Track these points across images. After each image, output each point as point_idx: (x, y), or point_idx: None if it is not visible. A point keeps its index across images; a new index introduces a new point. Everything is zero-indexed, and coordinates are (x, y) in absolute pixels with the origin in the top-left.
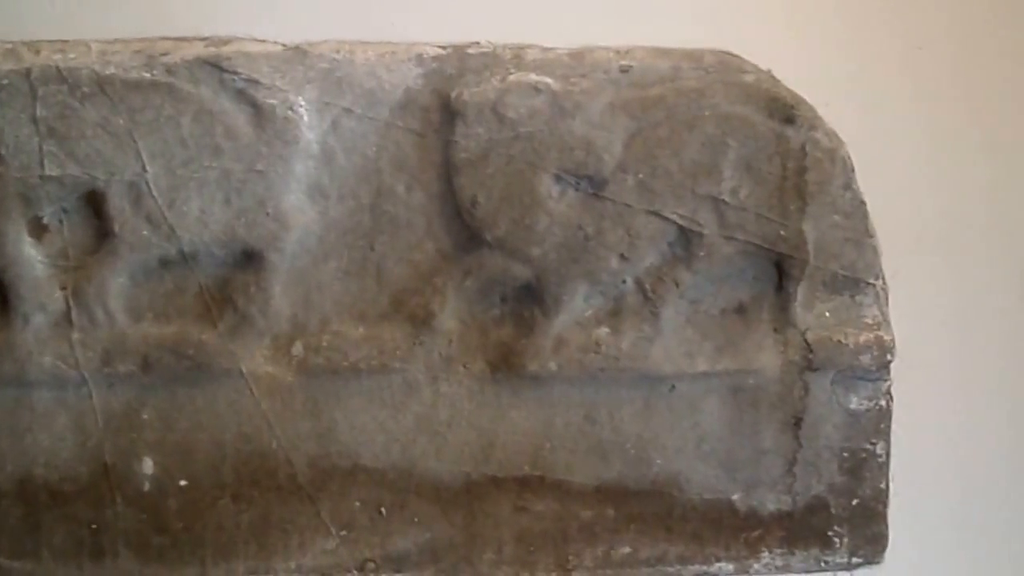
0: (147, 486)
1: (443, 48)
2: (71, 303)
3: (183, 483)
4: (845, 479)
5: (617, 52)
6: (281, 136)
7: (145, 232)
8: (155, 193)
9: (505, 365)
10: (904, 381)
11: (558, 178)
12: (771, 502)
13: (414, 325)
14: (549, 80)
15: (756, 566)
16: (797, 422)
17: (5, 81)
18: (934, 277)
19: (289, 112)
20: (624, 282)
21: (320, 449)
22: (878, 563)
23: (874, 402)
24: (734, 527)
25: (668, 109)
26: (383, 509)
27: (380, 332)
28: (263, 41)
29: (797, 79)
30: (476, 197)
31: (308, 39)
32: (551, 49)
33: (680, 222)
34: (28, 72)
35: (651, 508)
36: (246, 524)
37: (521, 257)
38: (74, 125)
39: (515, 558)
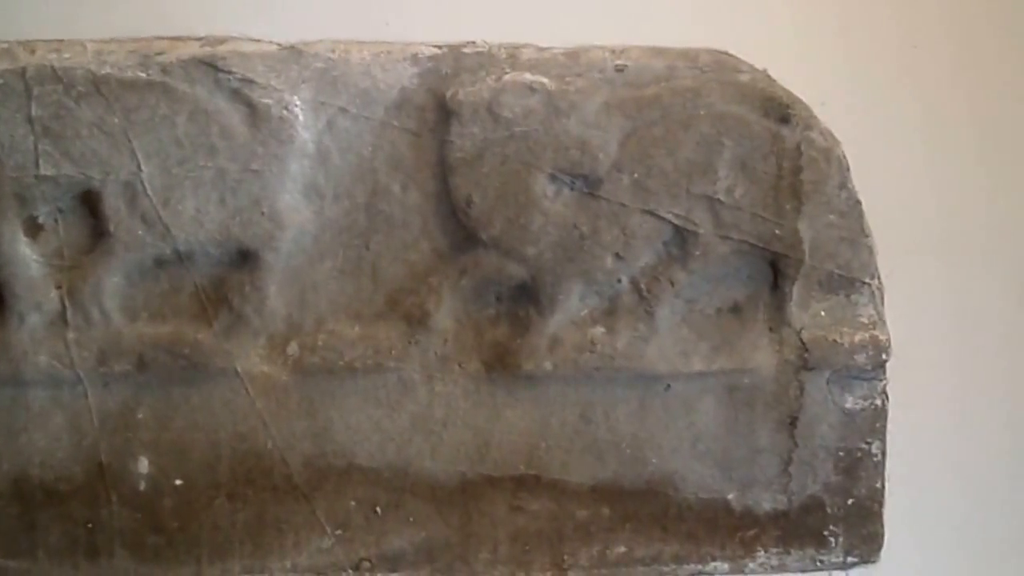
0: (143, 485)
1: (438, 48)
2: (66, 302)
3: (178, 482)
4: (841, 478)
5: (612, 52)
6: (276, 136)
7: (140, 232)
8: (150, 193)
9: (500, 364)
10: (900, 380)
11: (553, 177)
12: (767, 501)
13: (409, 324)
14: (544, 80)
15: (752, 565)
16: (793, 421)
17: (0, 81)
18: (930, 276)
19: (284, 112)
20: (619, 281)
21: (315, 448)
22: (874, 562)
23: (870, 401)
24: (730, 526)
25: (663, 108)
26: (378, 508)
27: (375, 331)
28: (258, 41)
29: (793, 78)
30: (471, 196)
31: (303, 39)
32: (546, 49)
33: (675, 221)
34: (23, 72)
35: (647, 507)
36: (241, 523)
37: (516, 256)
38: (69, 125)
39: (510, 557)
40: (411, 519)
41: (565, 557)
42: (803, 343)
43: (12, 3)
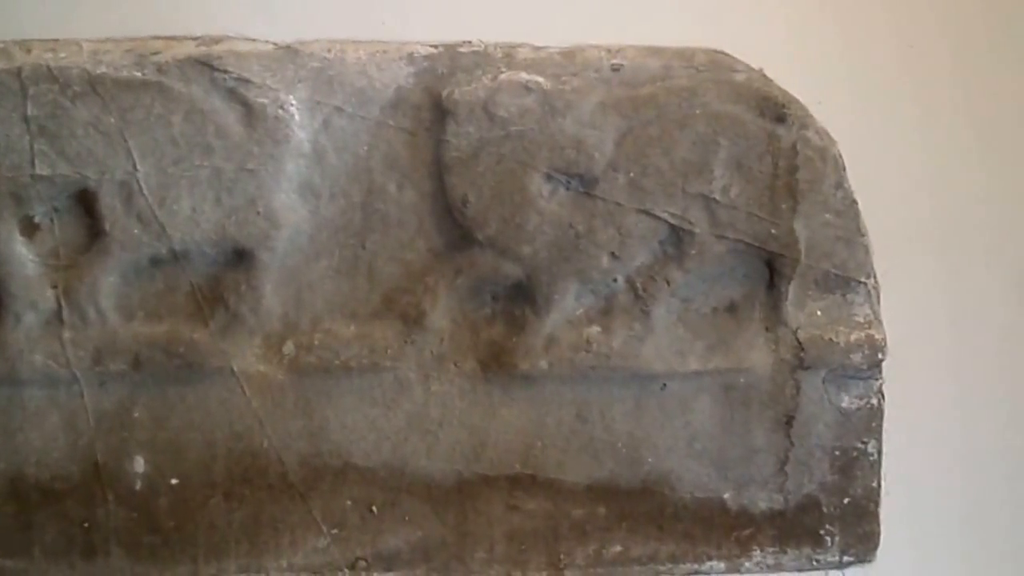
0: (138, 485)
1: (434, 47)
2: (62, 302)
3: (174, 482)
4: (837, 478)
5: (608, 51)
6: (272, 135)
7: (136, 231)
8: (146, 192)
9: (496, 364)
10: (896, 380)
11: (549, 177)
12: (763, 501)
13: (405, 324)
14: (540, 79)
15: (747, 565)
16: (789, 421)
17: None
18: (926, 275)
19: (280, 111)
20: (615, 281)
21: (311, 448)
22: (870, 562)
23: (866, 401)
24: (725, 526)
25: (659, 108)
26: (374, 508)
27: (371, 331)
28: (254, 40)
29: (789, 78)
30: (467, 196)
31: (299, 38)
32: (542, 48)
33: (671, 221)
34: (19, 71)
35: (642, 507)
36: (237, 523)
37: (512, 256)
38: (65, 124)
39: (506, 557)
40: (407, 518)
41: (561, 556)
42: (799, 342)
43: (8, 3)
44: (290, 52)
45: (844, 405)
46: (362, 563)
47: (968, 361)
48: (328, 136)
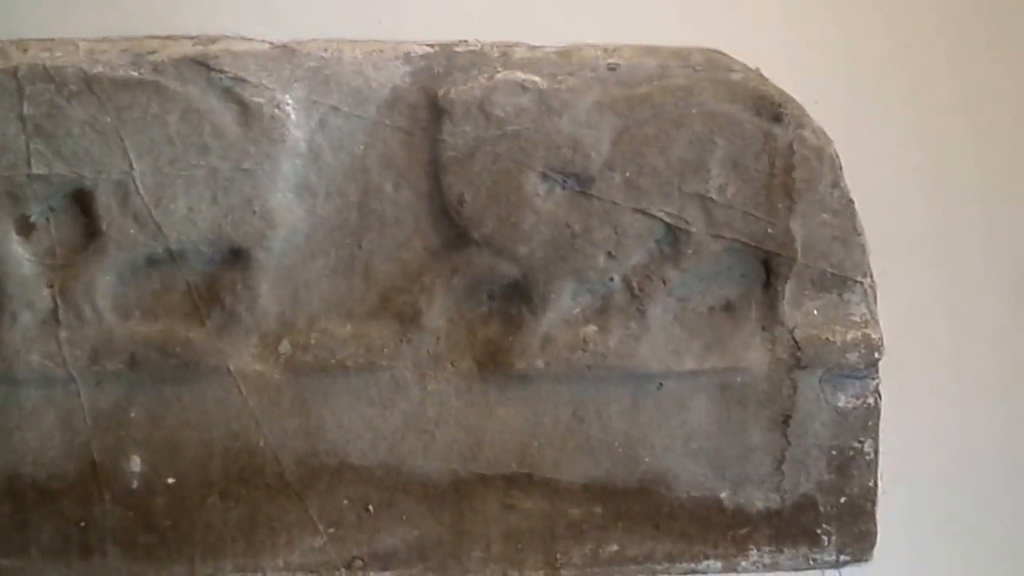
0: (135, 484)
1: (431, 46)
2: (59, 301)
3: (171, 481)
4: (833, 477)
5: (605, 50)
6: (268, 134)
7: (132, 230)
8: (142, 191)
9: (493, 363)
10: (892, 379)
11: (545, 176)
12: (759, 500)
13: (402, 323)
14: (536, 78)
15: (744, 564)
16: (785, 420)
17: None
18: (922, 275)
19: (276, 110)
20: (611, 280)
21: (308, 447)
22: (866, 561)
23: (862, 400)
24: (722, 525)
25: (655, 107)
26: (371, 507)
27: (368, 330)
28: (250, 40)
29: (785, 77)
30: (463, 195)
31: (296, 38)
32: (538, 47)
33: (667, 220)
34: (15, 71)
35: (639, 506)
36: (234, 522)
37: (508, 255)
38: (61, 123)
39: (503, 556)
40: (403, 517)
41: (558, 555)
42: (796, 341)
43: (4, 2)
44: (286, 51)
45: (841, 404)
46: (358, 562)
47: (964, 360)
48: (324, 135)
